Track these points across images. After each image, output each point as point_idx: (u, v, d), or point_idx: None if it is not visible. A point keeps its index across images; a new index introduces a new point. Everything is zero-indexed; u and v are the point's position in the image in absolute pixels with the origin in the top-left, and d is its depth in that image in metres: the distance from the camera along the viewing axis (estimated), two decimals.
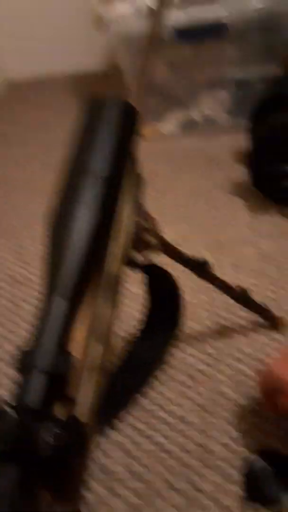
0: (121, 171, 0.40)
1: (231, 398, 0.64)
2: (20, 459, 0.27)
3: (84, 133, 0.40)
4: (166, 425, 0.62)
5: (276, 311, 0.71)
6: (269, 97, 0.93)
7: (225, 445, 0.59)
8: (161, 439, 0.61)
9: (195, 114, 1.20)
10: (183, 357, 0.70)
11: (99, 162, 0.38)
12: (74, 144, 0.40)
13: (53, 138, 1.34)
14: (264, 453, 0.57)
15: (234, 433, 0.60)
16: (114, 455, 0.60)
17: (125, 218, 0.42)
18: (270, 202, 0.95)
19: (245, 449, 0.58)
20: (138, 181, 0.46)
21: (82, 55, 1.64)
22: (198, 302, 0.77)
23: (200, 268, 0.58)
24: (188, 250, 0.85)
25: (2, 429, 0.27)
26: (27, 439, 0.27)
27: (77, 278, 0.34)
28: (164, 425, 0.63)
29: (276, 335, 0.71)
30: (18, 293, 0.86)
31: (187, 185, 1.05)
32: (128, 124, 0.42)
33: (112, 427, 0.63)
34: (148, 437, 0.62)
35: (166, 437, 0.61)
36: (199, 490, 0.56)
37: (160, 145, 1.15)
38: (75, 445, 0.28)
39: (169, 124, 1.21)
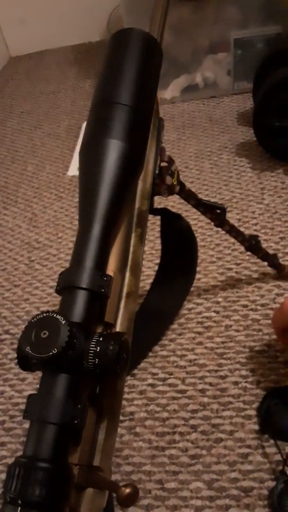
0: (149, 102, 0.39)
1: (239, 341, 0.67)
2: (69, 368, 0.28)
3: (109, 65, 0.38)
4: (179, 368, 0.66)
5: (282, 262, 0.73)
6: (273, 54, 0.93)
7: (235, 383, 0.63)
8: (175, 381, 0.65)
9: (197, 78, 1.20)
10: (191, 307, 0.73)
11: (127, 92, 0.36)
12: (101, 75, 0.38)
13: (57, 108, 1.36)
14: (275, 390, 0.60)
15: (244, 372, 0.63)
16: (129, 396, 0.64)
17: (150, 159, 0.43)
18: (275, 160, 0.96)
19: (255, 386, 0.62)
20: (160, 124, 0.47)
21: (84, 26, 1.63)
22: (207, 257, 0.80)
23: (218, 214, 0.59)
24: (195, 211, 0.88)
25: (54, 335, 0.27)
26: (76, 348, 0.27)
27: (112, 208, 0.33)
28: (176, 368, 0.66)
29: (282, 283, 0.73)
30: (33, 257, 0.90)
31: (192, 148, 1.06)
32: (153, 56, 0.40)
33: (128, 374, 0.66)
34: (162, 379, 0.65)
35: (179, 378, 0.65)
36: (214, 426, 0.59)
37: (163, 110, 1.16)
38: (120, 357, 0.28)
39: (172, 90, 1.22)
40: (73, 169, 1.11)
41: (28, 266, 0.88)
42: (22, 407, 0.66)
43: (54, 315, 0.28)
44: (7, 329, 0.77)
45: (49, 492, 0.25)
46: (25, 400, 0.68)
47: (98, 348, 0.28)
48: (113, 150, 0.35)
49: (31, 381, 0.68)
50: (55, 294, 0.81)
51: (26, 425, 0.64)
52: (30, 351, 0.27)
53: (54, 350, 0.26)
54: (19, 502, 0.24)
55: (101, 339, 0.28)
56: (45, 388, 0.28)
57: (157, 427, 0.60)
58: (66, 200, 1.02)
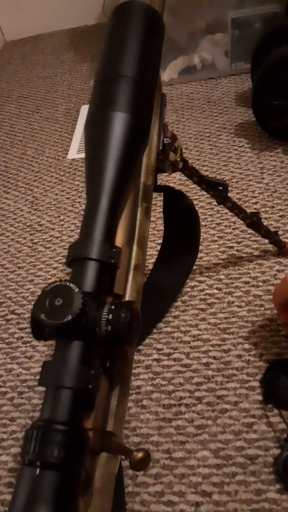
0: (153, 75, 0.38)
1: (241, 316, 0.68)
2: (82, 335, 0.28)
3: (112, 38, 0.38)
4: (183, 343, 0.67)
5: (282, 239, 0.74)
6: (270, 33, 0.93)
7: (238, 356, 0.64)
8: (179, 355, 0.66)
9: (194, 60, 1.20)
10: (194, 284, 0.74)
11: (131, 65, 0.36)
12: (103, 50, 0.38)
13: (55, 93, 1.36)
14: (278, 362, 0.62)
15: (247, 346, 0.65)
16: (135, 371, 0.65)
17: (154, 135, 0.44)
18: (273, 140, 0.97)
19: (258, 358, 0.63)
20: (162, 100, 0.47)
21: (79, 10, 1.62)
22: (208, 236, 0.81)
23: (220, 191, 0.60)
24: (196, 191, 0.88)
25: (68, 303, 0.27)
26: (89, 315, 0.28)
27: (119, 180, 0.34)
28: (181, 344, 0.67)
29: (283, 260, 0.75)
30: (36, 239, 0.90)
31: (192, 130, 1.06)
32: (155, 29, 0.40)
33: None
34: (166, 354, 0.67)
35: (183, 353, 0.66)
36: (218, 397, 0.61)
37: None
38: (132, 324, 0.29)
39: (169, 72, 1.21)
40: (73, 152, 1.11)
41: (31, 248, 0.89)
42: (30, 383, 0.67)
43: (68, 284, 0.28)
44: (13, 309, 0.78)
45: (67, 454, 0.25)
46: (32, 377, 0.70)
47: (110, 315, 0.29)
48: (118, 123, 0.35)
49: (38, 359, 0.69)
50: (59, 275, 0.82)
51: (35, 401, 0.65)
52: (45, 318, 0.27)
53: (69, 317, 0.27)
54: (38, 463, 0.25)
55: (112, 307, 0.29)
56: (60, 355, 0.29)
57: (163, 399, 0.62)
58: (66, 183, 1.02)
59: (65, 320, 0.27)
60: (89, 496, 0.29)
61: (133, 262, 0.37)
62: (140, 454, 0.29)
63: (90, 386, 0.28)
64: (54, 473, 0.25)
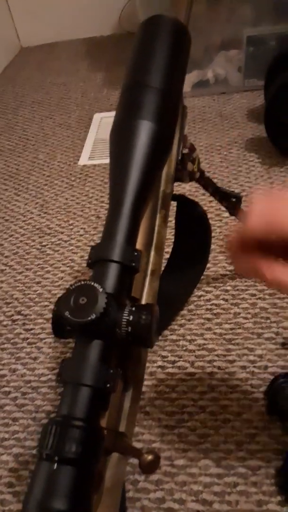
0: (179, 86, 0.40)
1: (247, 327, 0.69)
2: (103, 335, 0.29)
3: (141, 50, 0.40)
4: (188, 351, 0.68)
5: None
6: (285, 52, 0.95)
7: (243, 367, 0.64)
8: (184, 363, 0.66)
9: (208, 74, 1.22)
10: (200, 294, 0.75)
11: (158, 76, 0.37)
12: (132, 59, 0.40)
13: (68, 99, 1.38)
14: (282, 375, 0.62)
15: (252, 357, 0.65)
16: None
17: (174, 145, 0.45)
18: (283, 156, 0.98)
19: (263, 370, 0.63)
20: (183, 111, 0.49)
21: (96, 20, 1.65)
22: (216, 247, 0.82)
23: (233, 202, 0.61)
24: (205, 203, 0.89)
25: (92, 302, 0.28)
26: (111, 316, 0.28)
27: (142, 187, 0.35)
28: (185, 352, 0.68)
29: None
30: (45, 242, 0.91)
31: (203, 143, 1.08)
32: (182, 42, 0.41)
33: None
34: (171, 362, 0.67)
35: (188, 361, 0.67)
36: (222, 407, 0.61)
37: None
38: (152, 326, 0.29)
39: (184, 85, 1.23)
40: (84, 159, 1.12)
41: (40, 251, 0.89)
42: (34, 384, 0.67)
43: (92, 283, 0.29)
44: (19, 310, 0.79)
45: (84, 450, 0.26)
46: (37, 379, 0.70)
47: (131, 317, 0.29)
48: (144, 131, 0.36)
49: (43, 360, 0.70)
50: (67, 278, 0.83)
51: (38, 402, 0.65)
52: (69, 316, 0.28)
53: (92, 316, 0.27)
54: (55, 458, 0.25)
55: (133, 308, 0.30)
56: (80, 353, 0.29)
57: (166, 406, 0.62)
58: (77, 188, 1.03)
59: (89, 318, 0.27)
60: (99, 495, 0.29)
61: (150, 267, 0.38)
62: (150, 457, 0.30)
63: (108, 386, 0.28)
64: (71, 469, 0.25)
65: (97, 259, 0.32)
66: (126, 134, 0.36)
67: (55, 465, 0.25)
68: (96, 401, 0.28)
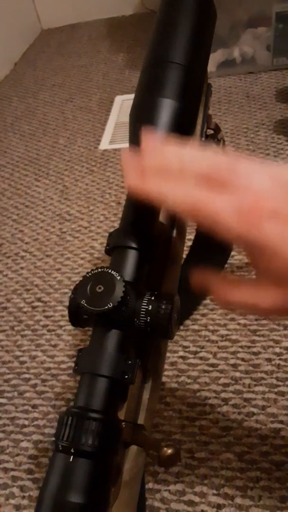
0: (203, 63, 0.38)
1: (274, 319, 0.66)
2: (121, 324, 0.28)
3: (163, 24, 0.37)
4: (210, 342, 0.66)
5: None
6: None
7: (268, 360, 0.62)
8: (206, 354, 0.65)
9: (234, 53, 1.17)
10: None
11: (181, 51, 0.35)
12: (154, 34, 0.37)
13: (89, 82, 1.35)
14: None
15: (278, 350, 0.63)
16: None
17: (198, 125, 0.42)
18: None
19: None
20: (208, 90, 0.46)
21: (117, 0, 1.60)
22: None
23: None
24: None
25: (109, 290, 0.27)
26: (129, 305, 0.27)
27: None
28: (208, 343, 0.66)
29: None
30: (64, 228, 0.90)
31: (229, 124, 1.04)
32: (207, 16, 0.39)
33: None
34: (193, 352, 0.65)
35: (210, 352, 0.65)
36: (246, 400, 0.59)
37: None
38: (172, 316, 0.28)
39: (209, 65, 1.19)
40: (105, 143, 1.10)
41: (60, 237, 0.88)
42: (54, 372, 0.67)
43: (110, 271, 0.27)
44: (39, 297, 0.78)
45: (101, 443, 0.25)
46: (56, 366, 0.69)
47: (150, 306, 0.28)
48: (166, 109, 0.33)
49: (63, 348, 0.69)
50: (87, 265, 0.82)
51: (58, 389, 0.65)
52: (85, 304, 0.27)
53: (110, 305, 0.26)
54: (72, 450, 0.25)
55: (152, 298, 0.28)
56: (97, 342, 0.28)
57: (187, 398, 0.61)
58: (97, 173, 1.01)
59: (106, 307, 0.26)
60: (117, 488, 0.29)
61: (174, 254, 0.36)
62: (170, 451, 0.28)
63: (127, 377, 0.27)
64: (88, 461, 0.25)
65: (115, 246, 0.31)
66: (147, 113, 0.34)
67: (71, 457, 0.25)
68: (114, 393, 0.27)
